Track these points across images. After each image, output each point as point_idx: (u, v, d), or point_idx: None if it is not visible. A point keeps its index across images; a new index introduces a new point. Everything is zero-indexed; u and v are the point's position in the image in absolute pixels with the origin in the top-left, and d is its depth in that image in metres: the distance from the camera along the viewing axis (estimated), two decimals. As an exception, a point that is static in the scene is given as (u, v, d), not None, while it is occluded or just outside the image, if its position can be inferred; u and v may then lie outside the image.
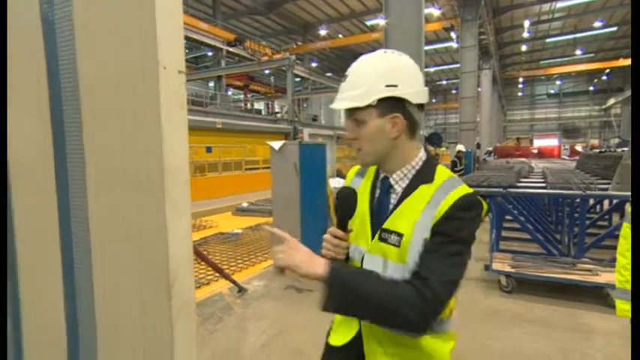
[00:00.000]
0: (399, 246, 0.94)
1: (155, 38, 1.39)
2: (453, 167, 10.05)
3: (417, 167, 1.01)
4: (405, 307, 0.84)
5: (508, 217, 5.36)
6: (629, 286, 1.29)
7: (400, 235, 0.94)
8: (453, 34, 20.47)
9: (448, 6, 19.34)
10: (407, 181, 1.00)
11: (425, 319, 0.86)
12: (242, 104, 26.78)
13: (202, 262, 4.10)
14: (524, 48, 29.47)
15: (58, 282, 1.81)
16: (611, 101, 36.07)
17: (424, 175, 0.98)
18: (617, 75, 35.88)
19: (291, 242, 0.94)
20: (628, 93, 32.81)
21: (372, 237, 1.01)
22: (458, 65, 17.67)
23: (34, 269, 1.96)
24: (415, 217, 0.93)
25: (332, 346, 1.13)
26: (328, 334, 1.18)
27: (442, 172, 0.99)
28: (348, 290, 0.87)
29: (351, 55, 31.42)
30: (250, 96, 28.76)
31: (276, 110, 27.30)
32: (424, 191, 0.95)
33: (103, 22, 1.55)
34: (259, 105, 29.20)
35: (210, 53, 22.88)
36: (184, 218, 1.55)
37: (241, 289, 3.95)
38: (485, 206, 0.95)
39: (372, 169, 1.12)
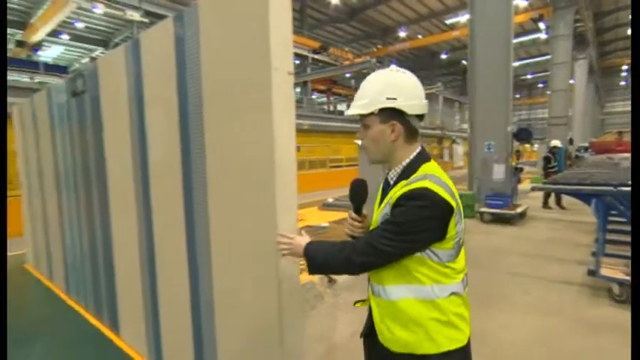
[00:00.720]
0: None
1: (268, 42, 1.40)
2: (546, 164, 8.90)
3: (405, 165, 1.14)
4: (343, 259, 1.11)
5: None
6: None
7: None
8: (541, 25, 18.27)
9: (538, -5, 17.32)
10: (396, 178, 1.15)
11: (350, 265, 1.11)
12: (325, 107, 27.16)
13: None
14: (629, 31, 25.13)
15: (184, 267, 1.95)
16: None
17: (406, 172, 1.12)
18: None
19: (285, 237, 1.30)
20: None
21: None
22: (546, 57, 15.75)
23: (165, 253, 2.14)
24: (383, 206, 1.13)
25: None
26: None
27: (423, 169, 1.10)
28: (314, 259, 1.17)
29: (428, 54, 29.95)
30: (333, 99, 29.04)
31: (358, 111, 27.08)
32: (400, 185, 1.09)
33: (222, 34, 1.61)
34: (341, 107, 29.32)
35: (297, 62, 23.59)
36: (292, 213, 1.55)
37: (331, 280, 3.95)
38: (444, 201, 1.03)
39: None
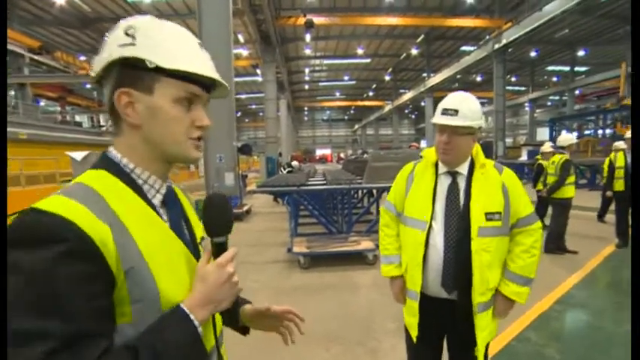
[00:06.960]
0: None
1: None
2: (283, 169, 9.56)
3: None
4: None
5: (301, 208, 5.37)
6: (385, 252, 1.32)
7: None
8: (258, 71, 20.54)
9: (253, 49, 19.26)
10: None
11: None
12: (58, 116, 19.75)
13: None
14: (306, 87, 32.68)
15: None
16: (356, 127, 46.01)
17: None
18: (358, 110, 44.49)
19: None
20: (364, 121, 42.11)
21: None
22: (263, 95, 17.81)
23: None
24: None
25: None
26: None
27: None
28: None
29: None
30: (70, 108, 21.60)
31: (102, 124, 21.40)
32: None
33: None
34: (82, 118, 22.31)
35: (7, 58, 15.74)
36: None
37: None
38: None
39: None
